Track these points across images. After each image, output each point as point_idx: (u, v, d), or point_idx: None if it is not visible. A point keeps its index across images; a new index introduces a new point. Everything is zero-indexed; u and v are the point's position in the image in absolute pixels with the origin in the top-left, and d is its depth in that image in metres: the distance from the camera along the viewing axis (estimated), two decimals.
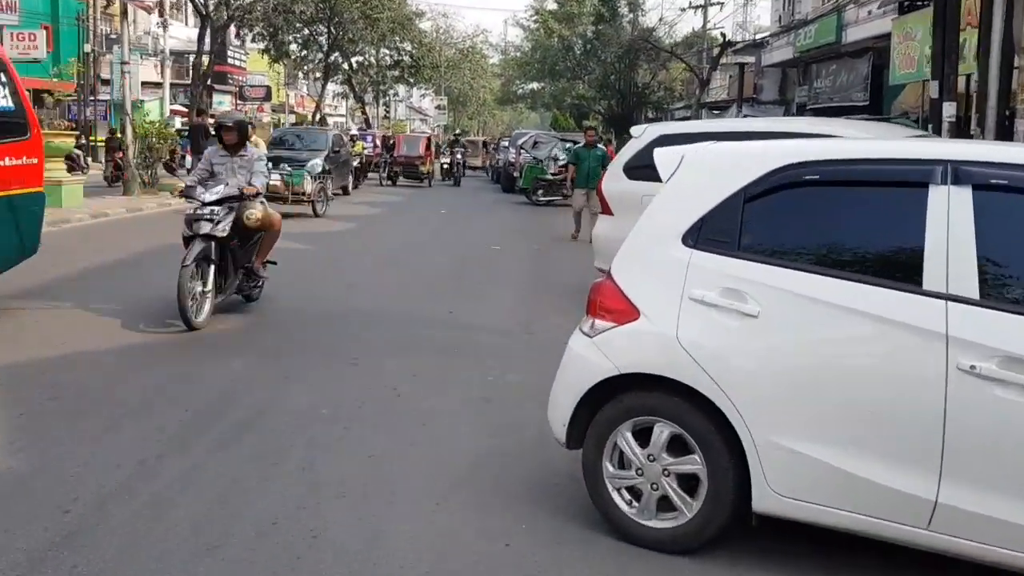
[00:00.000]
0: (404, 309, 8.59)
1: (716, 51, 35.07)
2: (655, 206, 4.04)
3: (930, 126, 10.03)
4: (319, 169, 18.84)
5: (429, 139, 32.64)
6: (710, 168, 3.91)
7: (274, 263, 8.51)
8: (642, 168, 9.05)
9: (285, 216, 9.74)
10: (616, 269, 4.04)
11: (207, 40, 24.15)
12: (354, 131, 22.79)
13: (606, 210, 9.08)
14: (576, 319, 4.40)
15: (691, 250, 3.66)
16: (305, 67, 39.72)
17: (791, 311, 3.35)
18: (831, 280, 3.29)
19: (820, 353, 3.30)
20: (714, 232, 3.64)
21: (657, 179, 8.02)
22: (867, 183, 3.42)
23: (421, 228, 16.92)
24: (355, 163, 24.58)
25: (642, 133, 8.93)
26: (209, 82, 53.42)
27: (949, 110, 9.40)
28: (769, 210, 3.59)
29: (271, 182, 13.74)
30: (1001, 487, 2.98)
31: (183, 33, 55.13)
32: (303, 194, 17.29)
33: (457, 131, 36.88)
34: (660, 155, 4.16)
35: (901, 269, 3.22)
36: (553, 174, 22.84)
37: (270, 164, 15.32)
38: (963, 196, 3.13)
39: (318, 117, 36.42)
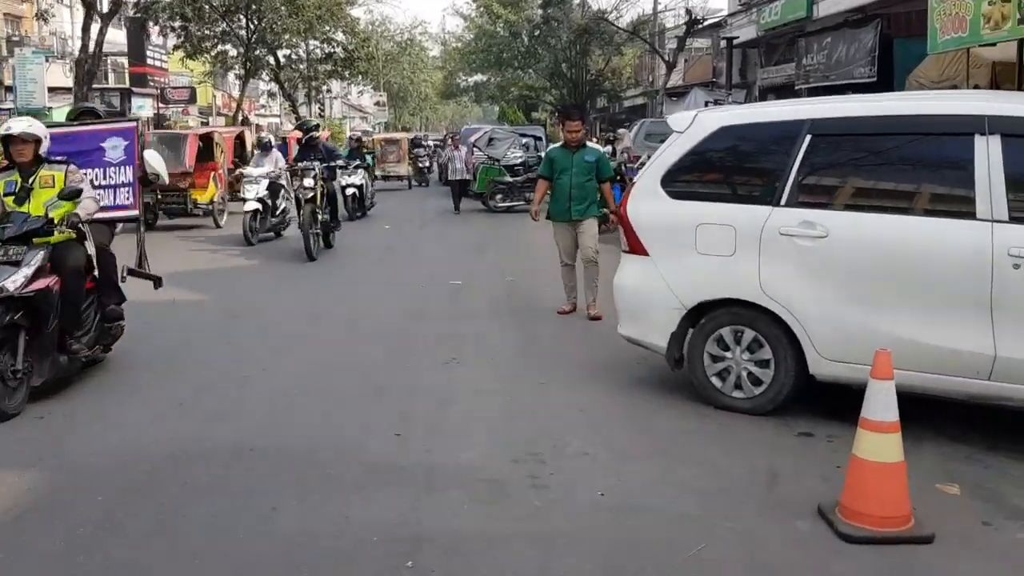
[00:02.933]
0: (317, 435, 5.14)
1: (683, 30, 32.07)
2: None
3: None
4: None
5: (208, 137, 17.92)
6: None
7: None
8: (693, 176, 5.75)
9: None
10: None
11: (93, 32, 20.17)
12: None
13: (636, 247, 5.75)
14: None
15: None
16: (225, 63, 35.65)
17: None
18: None
19: None
20: None
21: (726, 198, 4.76)
22: None
23: (360, 256, 13.41)
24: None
25: (689, 124, 5.62)
26: (128, 84, 49.47)
27: None
28: None
29: None
30: None
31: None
32: None
33: (313, 123, 16.18)
34: None
35: None
36: (512, 176, 19.54)
37: None
38: None
39: (240, 118, 32.52)
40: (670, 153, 5.67)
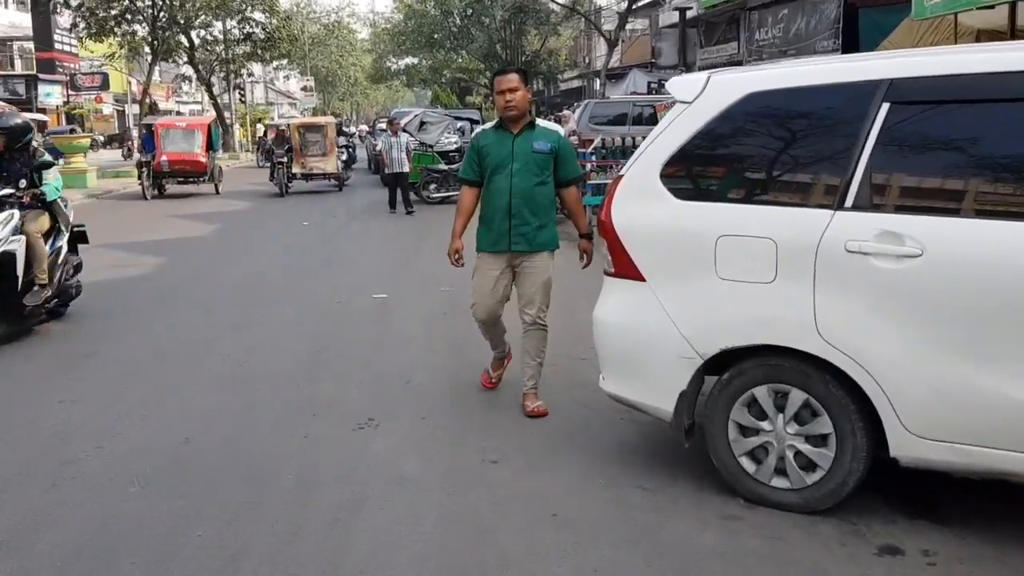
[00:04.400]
0: None
1: (621, 8, 30.46)
2: None
3: None
4: None
5: None
6: None
7: None
8: (709, 165, 3.98)
9: None
10: None
11: None
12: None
13: (625, 268, 3.99)
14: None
15: None
16: (133, 44, 32.87)
17: None
18: None
19: None
20: None
21: (761, 197, 3.02)
22: None
23: (260, 258, 11.46)
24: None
25: (700, 91, 3.87)
26: (35, 70, 45.85)
27: None
28: None
29: None
30: None
31: (4, 17, 46.92)
32: None
33: None
34: None
35: None
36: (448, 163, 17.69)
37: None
38: None
39: (147, 103, 29.89)
40: (673, 132, 3.91)
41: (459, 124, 21.14)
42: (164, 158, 20.01)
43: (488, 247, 5.04)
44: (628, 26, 34.10)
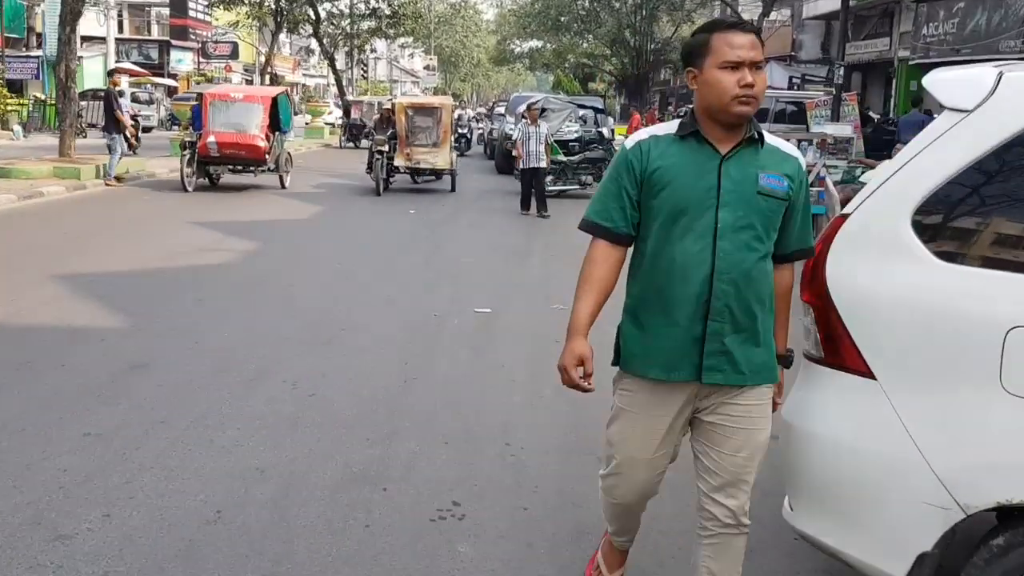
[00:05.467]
0: None
1: None
2: None
3: None
4: None
5: None
6: None
7: None
8: (999, 214, 2.58)
9: None
10: None
11: None
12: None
13: (843, 356, 2.63)
14: None
15: None
16: (260, 13, 32.75)
17: None
18: None
19: None
20: None
21: None
22: None
23: (350, 255, 10.48)
24: None
25: (988, 95, 2.47)
26: (168, 36, 46.83)
27: None
28: None
29: None
30: None
31: None
32: None
33: None
34: None
35: None
36: (567, 153, 16.44)
37: None
38: None
39: (270, 73, 29.66)
40: (938, 156, 2.53)
41: (582, 112, 19.83)
42: (212, 139, 15.01)
43: (652, 371, 2.59)
44: (767, 16, 31.97)
